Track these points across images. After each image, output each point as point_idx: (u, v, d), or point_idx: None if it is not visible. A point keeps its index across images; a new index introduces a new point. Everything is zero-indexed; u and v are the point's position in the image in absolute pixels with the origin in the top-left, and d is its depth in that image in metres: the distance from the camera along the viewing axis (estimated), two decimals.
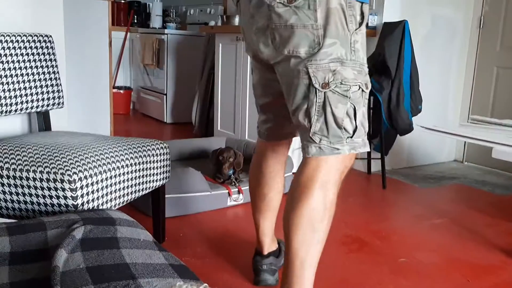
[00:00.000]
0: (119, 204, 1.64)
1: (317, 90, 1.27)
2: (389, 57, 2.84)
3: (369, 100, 3.21)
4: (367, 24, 3.26)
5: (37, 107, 1.99)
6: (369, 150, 1.50)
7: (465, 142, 3.79)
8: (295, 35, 1.26)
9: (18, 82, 1.91)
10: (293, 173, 2.97)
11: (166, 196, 2.27)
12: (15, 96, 1.90)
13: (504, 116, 3.50)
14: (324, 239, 1.36)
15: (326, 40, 1.25)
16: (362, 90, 1.31)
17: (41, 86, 1.99)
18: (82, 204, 1.46)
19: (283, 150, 1.72)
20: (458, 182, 3.26)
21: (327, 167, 1.32)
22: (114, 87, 5.45)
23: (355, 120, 1.31)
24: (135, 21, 5.94)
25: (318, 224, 1.32)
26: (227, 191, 2.55)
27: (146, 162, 1.76)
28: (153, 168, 1.81)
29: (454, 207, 2.75)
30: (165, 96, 4.94)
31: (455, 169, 3.64)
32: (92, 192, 1.49)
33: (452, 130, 2.25)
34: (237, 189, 2.59)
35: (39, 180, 1.45)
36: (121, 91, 5.41)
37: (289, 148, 1.76)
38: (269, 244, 1.76)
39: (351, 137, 1.31)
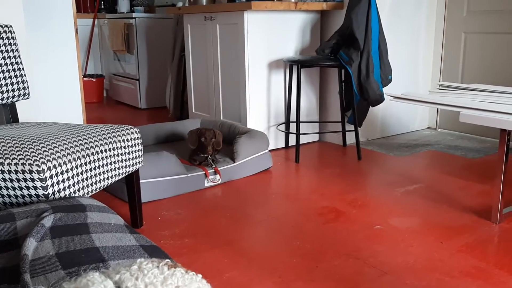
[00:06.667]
0: (92, 191, 1.64)
1: None
2: (357, 29, 2.85)
3: (340, 73, 3.23)
4: None
5: (1, 99, 1.95)
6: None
7: (437, 109, 3.86)
8: None
9: None
10: (269, 150, 2.99)
11: (142, 181, 2.28)
12: None
13: (473, 81, 3.56)
14: None
15: None
16: None
17: (4, 78, 1.95)
18: (53, 193, 1.45)
19: None
20: (432, 149, 3.32)
21: None
22: (85, 75, 5.37)
23: None
24: (102, 6, 5.83)
25: None
26: (203, 172, 2.56)
27: (117, 148, 1.75)
28: (125, 153, 1.80)
29: (427, 173, 2.81)
30: (137, 82, 4.89)
31: (429, 136, 3.70)
32: (63, 181, 1.49)
33: (419, 97, 2.28)
34: (213, 170, 2.60)
35: (7, 172, 1.43)
36: (93, 79, 5.33)
37: None
38: None
39: None
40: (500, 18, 3.35)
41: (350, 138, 3.44)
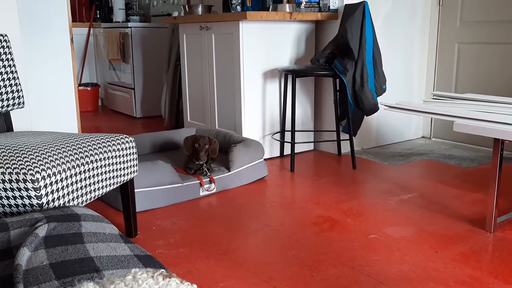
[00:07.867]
0: (86, 200, 1.63)
1: None
2: (351, 39, 2.87)
3: (334, 82, 3.24)
4: (329, 7, 3.30)
5: None
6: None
7: (431, 118, 3.88)
8: None
9: None
10: (264, 159, 2.99)
11: (137, 190, 2.27)
12: None
13: (467, 90, 3.59)
14: None
15: None
16: None
17: None
18: (47, 202, 1.45)
19: None
20: (426, 158, 3.33)
21: None
22: (80, 84, 5.37)
23: None
24: (98, 16, 5.84)
25: None
26: (198, 181, 2.56)
27: (112, 157, 1.75)
28: (119, 162, 1.80)
29: (422, 182, 2.82)
30: (133, 91, 4.89)
31: (423, 145, 3.72)
32: (57, 190, 1.48)
33: (414, 106, 2.30)
34: (208, 179, 2.60)
35: (1, 181, 1.43)
36: (88, 88, 5.33)
37: None
38: None
39: None
40: (492, 28, 3.39)
41: (345, 147, 3.45)
